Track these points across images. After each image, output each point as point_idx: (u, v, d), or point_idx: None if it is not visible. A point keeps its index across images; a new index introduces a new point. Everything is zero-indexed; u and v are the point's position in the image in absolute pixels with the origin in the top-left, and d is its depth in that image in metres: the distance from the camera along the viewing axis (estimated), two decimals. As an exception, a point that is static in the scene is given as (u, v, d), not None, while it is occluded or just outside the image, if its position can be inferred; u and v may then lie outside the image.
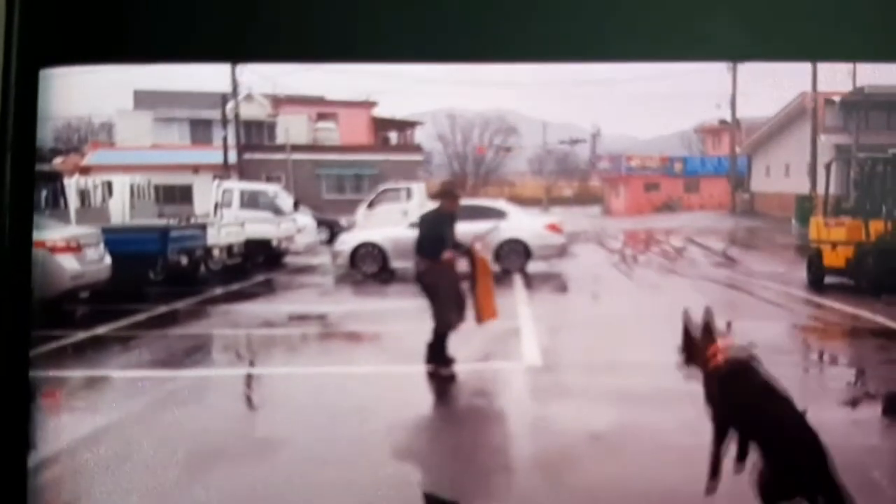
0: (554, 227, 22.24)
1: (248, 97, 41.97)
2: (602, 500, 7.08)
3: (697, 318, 6.55)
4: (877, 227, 15.61)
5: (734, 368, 6.29)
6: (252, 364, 12.29)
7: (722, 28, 1.74)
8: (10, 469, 1.69)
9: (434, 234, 11.03)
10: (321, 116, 47.90)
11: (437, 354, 10.77)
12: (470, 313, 11.15)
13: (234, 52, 1.77)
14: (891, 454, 7.67)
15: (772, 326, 10.58)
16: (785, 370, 9.90)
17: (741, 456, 6.19)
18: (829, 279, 16.16)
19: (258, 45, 1.77)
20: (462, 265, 11.23)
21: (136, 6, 1.81)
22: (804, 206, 19.93)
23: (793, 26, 1.69)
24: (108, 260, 16.65)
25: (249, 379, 11.11)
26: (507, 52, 1.77)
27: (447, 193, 11.44)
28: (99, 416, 9.53)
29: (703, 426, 7.57)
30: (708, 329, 6.42)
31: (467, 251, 11.37)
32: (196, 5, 1.85)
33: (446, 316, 10.81)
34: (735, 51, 1.69)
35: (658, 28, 1.77)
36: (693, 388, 7.98)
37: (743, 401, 6.20)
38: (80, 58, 1.70)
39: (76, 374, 11.48)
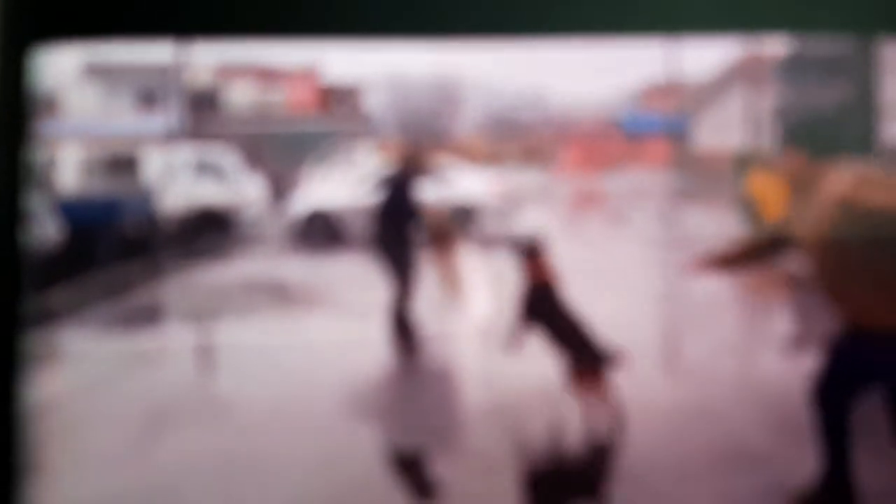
0: (499, 189, 22.33)
1: (195, 67, 41.67)
2: (548, 455, 7.12)
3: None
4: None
5: (546, 285, 7.75)
6: (205, 331, 12.27)
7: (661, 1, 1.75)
8: None
9: (396, 202, 10.68)
10: (267, 84, 47.64)
11: (401, 323, 10.55)
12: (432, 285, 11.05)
13: (198, 27, 1.77)
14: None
15: (713, 279, 10.68)
16: (727, 322, 10.08)
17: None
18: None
19: (223, 20, 1.77)
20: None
21: None
22: (744, 162, 20.23)
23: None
24: (58, 231, 16.54)
25: (203, 346, 11.08)
26: (458, 28, 1.78)
27: (410, 159, 11.00)
28: (52, 386, 9.47)
29: (648, 376, 7.69)
30: (534, 250, 7.94)
31: (434, 221, 11.09)
32: None
33: (406, 285, 10.53)
34: (674, 25, 1.71)
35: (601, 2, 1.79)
36: (639, 342, 8.12)
37: (547, 311, 7.62)
38: (72, 34, 1.72)
39: (30, 343, 11.39)
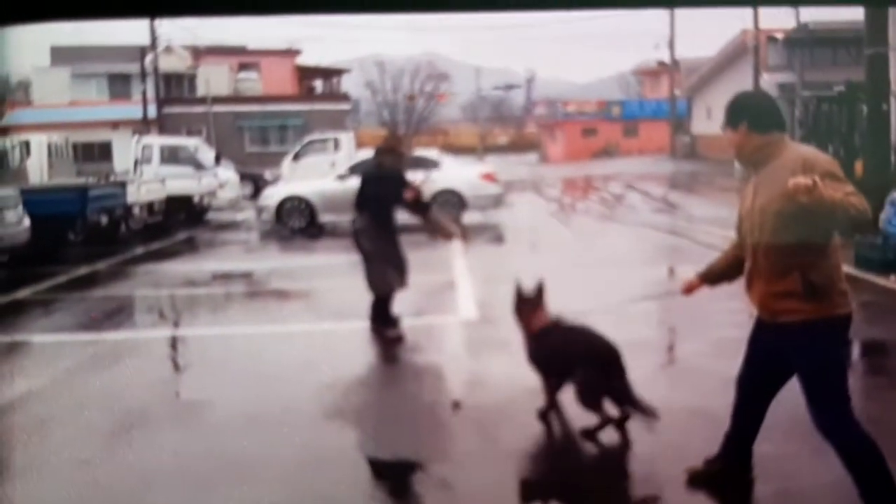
0: (489, 177, 22.28)
1: (167, 49, 41.62)
2: (540, 455, 7.12)
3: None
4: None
5: (547, 329, 7.38)
6: (176, 325, 12.23)
7: None
8: None
9: (377, 189, 10.47)
10: (243, 67, 47.54)
11: (381, 316, 10.42)
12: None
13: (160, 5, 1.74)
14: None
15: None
16: (729, 315, 10.02)
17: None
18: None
19: None
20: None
21: None
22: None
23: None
24: (26, 222, 16.50)
25: (174, 341, 11.04)
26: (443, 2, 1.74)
27: (390, 150, 10.79)
28: (20, 382, 9.47)
29: (639, 378, 7.65)
30: (536, 297, 7.45)
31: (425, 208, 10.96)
32: None
33: (385, 277, 10.35)
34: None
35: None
36: (630, 338, 8.05)
37: (555, 350, 7.31)
38: (39, 15, 1.68)
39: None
